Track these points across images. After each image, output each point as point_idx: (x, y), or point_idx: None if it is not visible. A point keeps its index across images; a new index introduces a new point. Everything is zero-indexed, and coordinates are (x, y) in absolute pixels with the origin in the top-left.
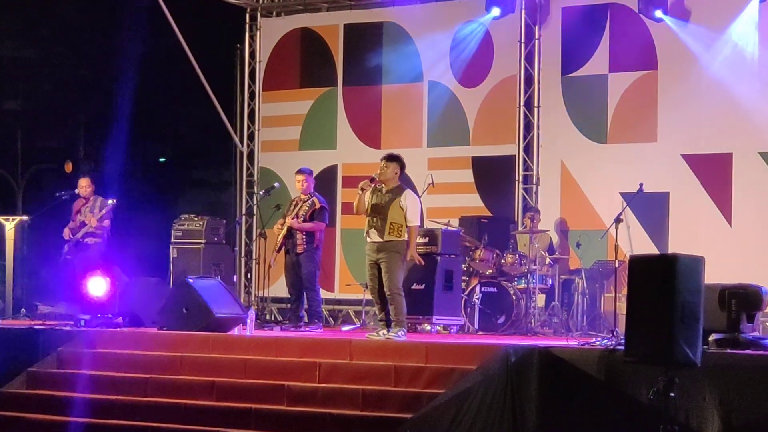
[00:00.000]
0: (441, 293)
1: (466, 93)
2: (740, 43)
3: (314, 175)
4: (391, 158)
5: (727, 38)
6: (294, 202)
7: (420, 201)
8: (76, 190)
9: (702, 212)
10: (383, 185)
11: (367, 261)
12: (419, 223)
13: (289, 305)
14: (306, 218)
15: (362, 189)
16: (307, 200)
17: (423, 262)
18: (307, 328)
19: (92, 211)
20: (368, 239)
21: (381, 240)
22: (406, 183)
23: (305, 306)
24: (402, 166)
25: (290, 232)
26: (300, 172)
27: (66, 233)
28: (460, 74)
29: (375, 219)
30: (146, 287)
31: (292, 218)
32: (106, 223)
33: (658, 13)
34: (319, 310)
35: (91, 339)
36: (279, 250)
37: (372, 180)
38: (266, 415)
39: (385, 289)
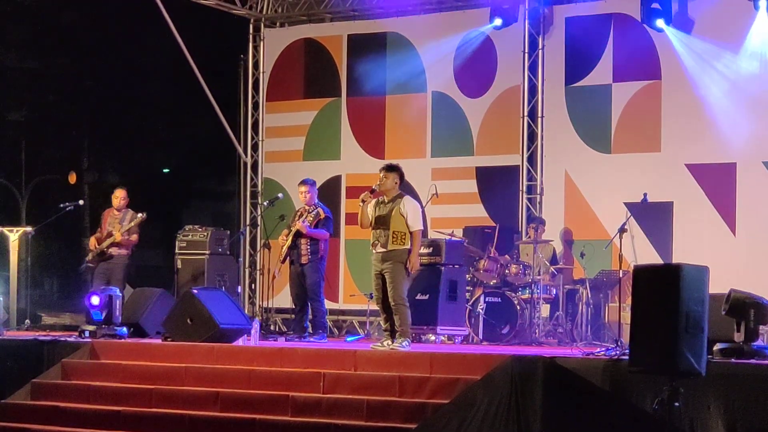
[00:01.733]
0: (445, 303)
1: (469, 103)
2: (745, 52)
3: (318, 185)
4: (390, 168)
5: (731, 47)
6: (299, 213)
7: (421, 205)
8: (113, 199)
9: (706, 222)
10: (384, 196)
11: (373, 271)
12: (420, 228)
13: (293, 316)
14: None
15: (363, 201)
16: (312, 211)
17: (417, 267)
18: (312, 339)
19: (121, 222)
20: (374, 251)
21: (385, 250)
22: (408, 192)
23: (309, 316)
24: (401, 176)
25: (294, 243)
26: (303, 183)
27: (92, 242)
28: (464, 84)
29: (379, 231)
30: (151, 298)
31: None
32: (134, 238)
33: (660, 23)
34: (323, 321)
35: (95, 350)
36: (284, 261)
37: (372, 191)
38: (271, 425)
39: (390, 300)
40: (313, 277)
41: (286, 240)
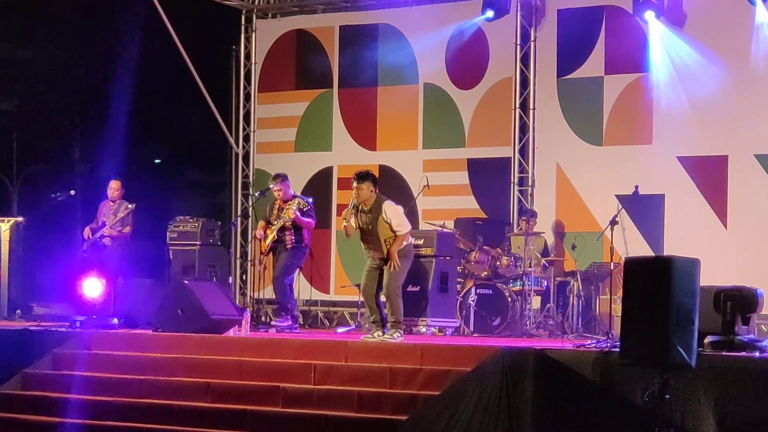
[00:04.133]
0: (436, 295)
1: (461, 95)
2: (736, 45)
3: (309, 176)
4: (362, 178)
5: (725, 42)
6: (278, 206)
7: (413, 199)
8: (107, 191)
9: (697, 214)
10: (363, 205)
11: (370, 265)
12: (407, 229)
13: None
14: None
15: (346, 219)
16: (293, 202)
17: (399, 266)
18: (275, 321)
19: (115, 213)
20: (371, 258)
21: (384, 256)
22: (399, 184)
23: (278, 299)
24: (375, 181)
25: (279, 237)
26: (276, 181)
27: (86, 232)
28: (456, 76)
29: (369, 242)
30: (142, 288)
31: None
32: (127, 230)
33: (651, 16)
34: (287, 305)
35: (86, 340)
36: (268, 254)
37: (352, 206)
38: (262, 416)
39: (384, 288)
40: (288, 260)
41: (268, 234)
